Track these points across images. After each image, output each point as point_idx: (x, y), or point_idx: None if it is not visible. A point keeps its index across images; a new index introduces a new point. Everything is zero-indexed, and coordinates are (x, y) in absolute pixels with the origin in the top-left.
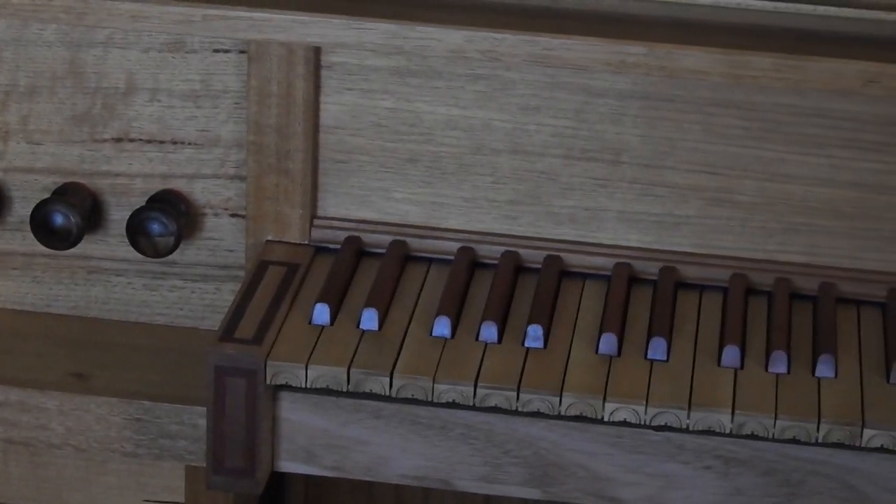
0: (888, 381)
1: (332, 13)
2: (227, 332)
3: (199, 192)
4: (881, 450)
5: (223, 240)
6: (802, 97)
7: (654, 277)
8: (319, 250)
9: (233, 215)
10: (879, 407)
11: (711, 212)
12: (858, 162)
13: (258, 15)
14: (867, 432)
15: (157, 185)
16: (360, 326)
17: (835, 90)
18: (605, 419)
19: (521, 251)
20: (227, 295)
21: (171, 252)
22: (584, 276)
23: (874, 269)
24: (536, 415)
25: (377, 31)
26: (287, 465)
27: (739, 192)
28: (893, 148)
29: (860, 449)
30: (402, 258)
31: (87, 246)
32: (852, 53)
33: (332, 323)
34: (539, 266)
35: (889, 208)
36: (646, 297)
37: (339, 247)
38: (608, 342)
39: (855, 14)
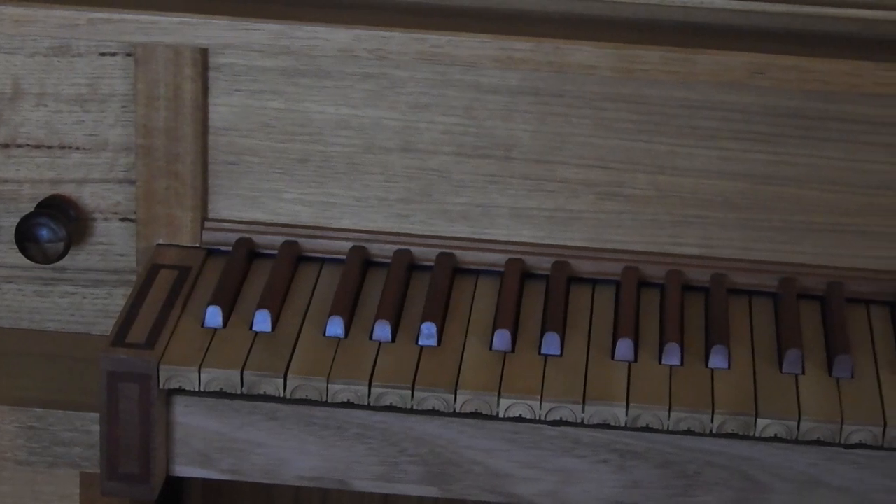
0: (781, 371)
1: (219, 14)
2: (119, 336)
3: (89, 196)
4: (775, 439)
5: (114, 244)
6: (692, 90)
7: (547, 272)
8: (211, 253)
9: (123, 219)
10: (772, 397)
11: (603, 206)
12: (748, 153)
13: (144, 17)
14: (761, 422)
15: (45, 191)
16: (253, 328)
17: (723, 82)
18: (501, 415)
19: (414, 249)
20: (118, 300)
21: (61, 258)
22: (477, 273)
23: (766, 259)
24: (432, 413)
25: (264, 31)
26: (183, 470)
27: (631, 185)
28: (782, 138)
29: (754, 439)
30: (294, 259)
31: None
32: (740, 46)
33: (224, 325)
34: (432, 264)
35: (779, 198)
36: (539, 292)
37: (230, 249)
38: (502, 338)
39: (742, 6)
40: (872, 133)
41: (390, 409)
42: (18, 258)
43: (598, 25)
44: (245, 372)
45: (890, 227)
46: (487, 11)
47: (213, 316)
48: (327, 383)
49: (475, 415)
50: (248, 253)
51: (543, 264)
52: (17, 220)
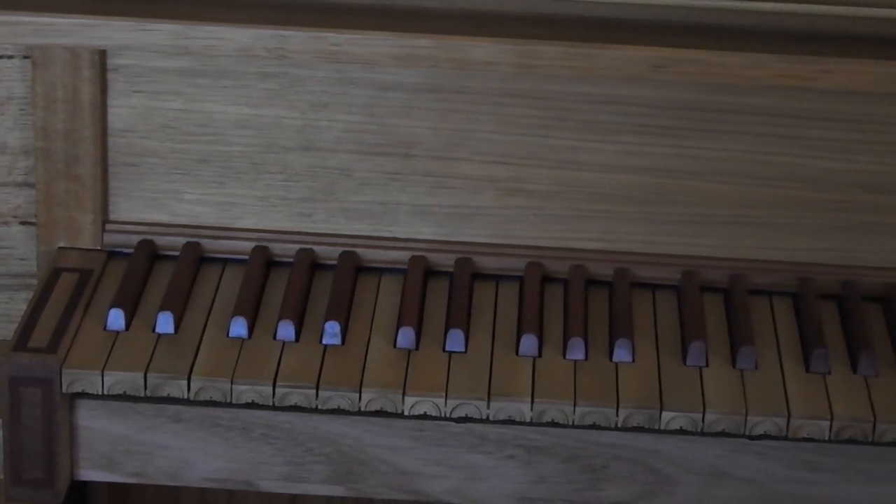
0: (685, 364)
1: (117, 15)
2: (21, 341)
3: None
4: (680, 431)
5: (14, 248)
6: (592, 84)
7: (450, 269)
8: (113, 255)
9: (23, 223)
10: (677, 389)
11: (505, 202)
12: (650, 147)
13: (41, 20)
14: (666, 415)
15: None
16: (156, 330)
17: (623, 77)
18: (406, 413)
19: (317, 248)
20: (20, 304)
21: None
22: (380, 271)
23: (668, 252)
24: (337, 412)
25: (162, 32)
26: (88, 474)
27: (533, 181)
28: (683, 132)
29: (660, 432)
30: (196, 260)
31: None
32: (640, 40)
33: (127, 328)
34: (335, 262)
35: (681, 192)
36: (442, 289)
37: (132, 251)
38: (406, 336)
39: (642, 0)
40: (772, 125)
41: (295, 408)
42: None
43: (498, 21)
44: (148, 374)
45: (791, 219)
46: (387, 9)
47: (116, 318)
48: (231, 384)
49: (380, 413)
50: (150, 255)
51: (446, 261)
52: None
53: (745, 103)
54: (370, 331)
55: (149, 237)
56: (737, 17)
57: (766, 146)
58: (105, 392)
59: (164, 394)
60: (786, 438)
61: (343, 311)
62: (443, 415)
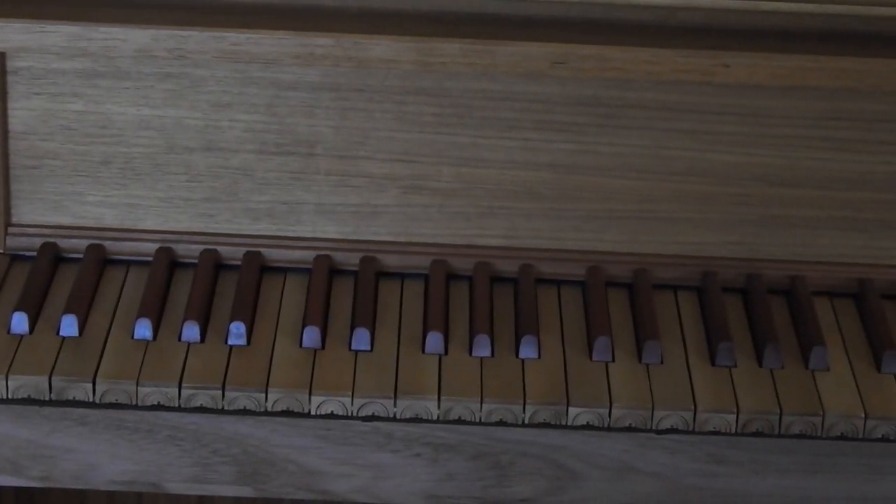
0: (591, 359)
1: (14, 17)
2: None
3: None
4: (587, 427)
5: None
6: (493, 81)
7: (355, 268)
8: (15, 259)
9: None
10: (583, 385)
11: (409, 199)
12: (551, 143)
13: None
14: (572, 411)
15: None
16: (60, 333)
17: (524, 73)
18: (312, 413)
19: (221, 249)
20: None
21: None
22: (284, 271)
23: (572, 248)
24: (243, 412)
25: (60, 33)
26: None
27: (436, 178)
28: (584, 127)
29: (566, 427)
30: (100, 262)
31: None
32: (540, 36)
33: (31, 331)
34: (239, 263)
35: (584, 188)
36: (347, 288)
37: (35, 254)
38: (311, 335)
39: None
40: (673, 120)
41: (201, 410)
42: None
43: (398, 19)
44: (53, 377)
45: (694, 213)
46: (287, 8)
47: (19, 322)
48: (136, 386)
49: (287, 413)
50: (54, 257)
51: (351, 260)
52: None
53: (646, 98)
54: (275, 331)
55: (52, 240)
56: (637, 13)
57: (668, 141)
58: (9, 396)
59: (69, 397)
60: (692, 432)
61: (248, 312)
62: (349, 414)
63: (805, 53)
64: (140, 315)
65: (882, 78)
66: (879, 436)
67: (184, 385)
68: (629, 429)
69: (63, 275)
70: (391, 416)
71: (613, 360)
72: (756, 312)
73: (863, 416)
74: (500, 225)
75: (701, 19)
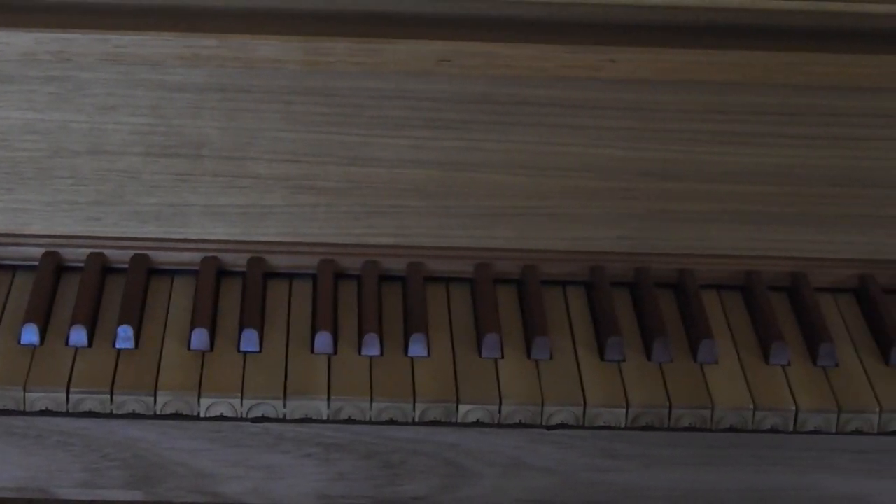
0: (480, 356)
1: None
2: None
3: None
4: (478, 424)
5: None
6: (381, 80)
7: (244, 269)
8: None
9: None
10: (473, 382)
11: (297, 199)
12: (440, 141)
13: None
14: (462, 408)
15: None
16: None
17: (412, 71)
18: (202, 415)
19: (108, 252)
20: None
21: None
22: (172, 273)
23: (461, 245)
24: (133, 416)
25: None
26: None
27: (324, 178)
28: (472, 125)
29: (457, 425)
30: None
31: None
32: (429, 34)
33: None
34: (127, 266)
35: (472, 185)
36: (236, 289)
37: None
38: (199, 337)
39: None
40: (561, 115)
41: (90, 414)
42: None
43: (286, 19)
44: None
45: (582, 208)
46: (171, 9)
47: None
48: (24, 392)
49: (176, 416)
50: None
51: (239, 261)
52: None
53: (534, 94)
54: (164, 333)
55: None
56: (524, 9)
57: (555, 136)
58: None
59: None
60: (583, 427)
61: (135, 315)
62: (239, 415)
63: (691, 48)
64: (26, 320)
65: (766, 71)
66: (769, 427)
67: (72, 390)
68: (520, 425)
69: None
70: (281, 416)
71: (503, 357)
72: (644, 306)
73: (752, 407)
74: (389, 223)
75: (589, 15)
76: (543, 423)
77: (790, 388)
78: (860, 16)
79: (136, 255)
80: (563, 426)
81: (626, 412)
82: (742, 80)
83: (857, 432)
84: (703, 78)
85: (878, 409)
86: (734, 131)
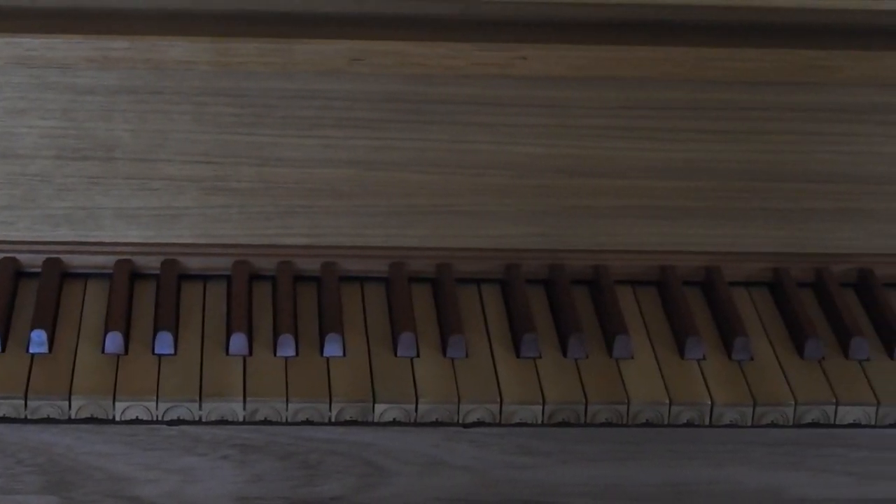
0: (396, 355)
1: None
2: None
3: None
4: (394, 423)
5: None
6: (291, 80)
7: (157, 271)
8: None
9: None
10: (389, 381)
11: (209, 201)
12: (352, 140)
13: None
14: (379, 407)
15: None
16: None
17: (322, 71)
18: (117, 419)
19: (20, 256)
20: None
21: None
22: (86, 277)
23: (375, 244)
24: (47, 421)
25: None
26: None
27: (236, 179)
28: (384, 124)
29: (374, 424)
30: None
31: None
32: (340, 33)
33: None
34: (39, 270)
35: (385, 184)
36: (150, 291)
37: None
38: (113, 341)
39: None
40: (473, 114)
41: (4, 419)
42: None
43: (196, 20)
44: None
45: (496, 206)
46: (81, 11)
47: None
48: None
49: (91, 420)
50: None
51: (153, 263)
52: None
53: (446, 93)
54: (78, 337)
55: None
56: (436, 7)
57: (468, 135)
58: None
59: None
60: (500, 425)
61: (49, 319)
62: (155, 418)
63: (601, 44)
64: None
65: (676, 66)
66: (684, 421)
67: None
68: (436, 423)
69: None
70: (197, 419)
71: (418, 356)
72: (560, 303)
73: (667, 402)
74: (303, 224)
75: (501, 12)
76: (460, 422)
77: (705, 383)
78: (767, 10)
79: (48, 258)
80: (479, 424)
81: (543, 409)
82: (652, 75)
83: (773, 425)
84: (613, 74)
85: (793, 402)
86: (646, 127)
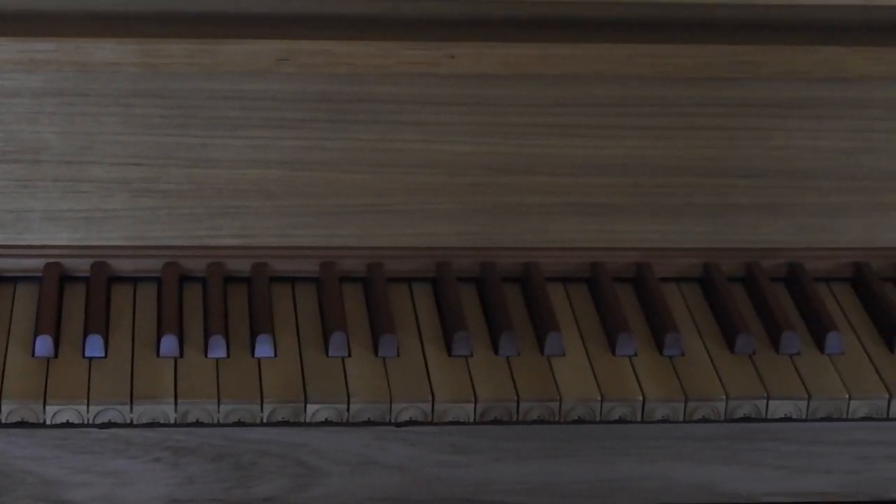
0: (327, 355)
1: None
2: None
3: None
4: (326, 423)
5: None
6: (218, 80)
7: (87, 274)
8: None
9: None
10: (320, 381)
11: (139, 203)
12: (280, 140)
13: None
14: (310, 407)
15: None
16: None
17: (249, 71)
18: (48, 423)
19: None
20: None
21: None
22: (15, 280)
23: (306, 245)
24: None
25: None
26: None
27: (165, 180)
28: (312, 123)
29: (306, 425)
30: None
31: None
32: (265, 33)
33: None
34: None
35: (314, 183)
36: (80, 294)
37: None
38: (43, 344)
39: None
40: (402, 112)
41: None
42: None
43: (122, 21)
44: None
45: (426, 205)
46: (5, 13)
47: None
48: None
49: (22, 424)
50: None
51: (82, 266)
52: None
53: (374, 92)
54: (7, 341)
55: None
56: (363, 6)
57: (397, 133)
58: None
59: None
60: (432, 423)
61: None
62: (85, 422)
63: (529, 42)
64: None
65: (604, 63)
66: (616, 418)
67: None
68: (369, 423)
69: None
70: (128, 422)
71: (350, 355)
72: (491, 301)
73: (599, 399)
74: (233, 224)
75: (429, 11)
76: (392, 421)
77: (637, 379)
78: (692, 6)
79: None
80: (411, 423)
81: (475, 407)
82: (579, 72)
83: (704, 420)
84: (541, 71)
85: (724, 397)
86: (575, 124)
